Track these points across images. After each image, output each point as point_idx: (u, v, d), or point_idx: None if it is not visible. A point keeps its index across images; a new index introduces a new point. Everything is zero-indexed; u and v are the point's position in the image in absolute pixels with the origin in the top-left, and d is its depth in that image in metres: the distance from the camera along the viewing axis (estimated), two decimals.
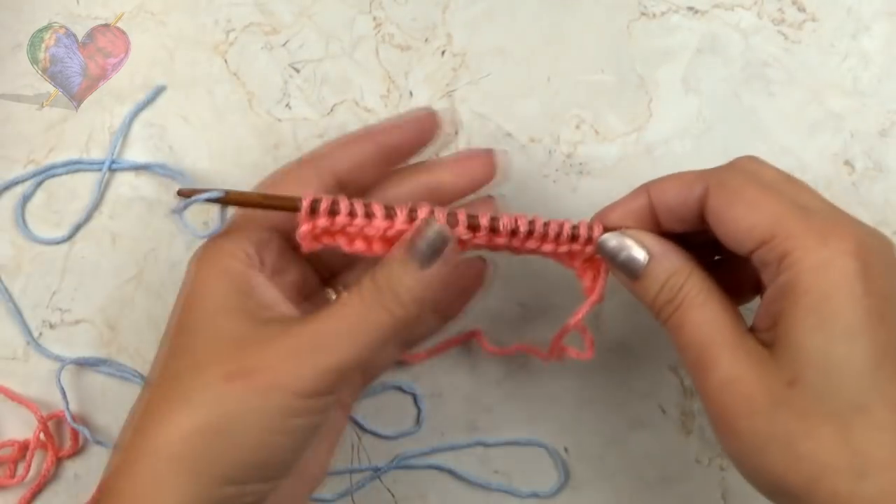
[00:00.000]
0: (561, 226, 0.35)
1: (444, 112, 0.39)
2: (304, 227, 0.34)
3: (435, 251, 0.34)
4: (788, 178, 0.34)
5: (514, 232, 0.35)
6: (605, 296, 0.37)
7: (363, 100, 0.46)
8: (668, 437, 0.45)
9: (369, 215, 0.34)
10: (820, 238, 0.31)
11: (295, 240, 0.35)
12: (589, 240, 0.35)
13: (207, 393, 0.32)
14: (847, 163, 0.45)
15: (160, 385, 0.34)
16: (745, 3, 0.46)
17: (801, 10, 0.46)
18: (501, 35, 0.46)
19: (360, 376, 0.40)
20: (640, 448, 0.44)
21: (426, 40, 0.47)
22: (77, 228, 0.46)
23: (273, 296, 0.35)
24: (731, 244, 0.33)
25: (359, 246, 0.35)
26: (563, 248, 0.36)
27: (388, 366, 0.42)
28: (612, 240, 0.35)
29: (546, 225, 0.35)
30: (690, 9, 0.46)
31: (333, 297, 0.39)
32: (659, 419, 0.44)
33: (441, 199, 0.37)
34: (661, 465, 0.44)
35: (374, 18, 0.47)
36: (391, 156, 0.38)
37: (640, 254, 0.34)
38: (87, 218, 0.46)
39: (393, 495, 0.45)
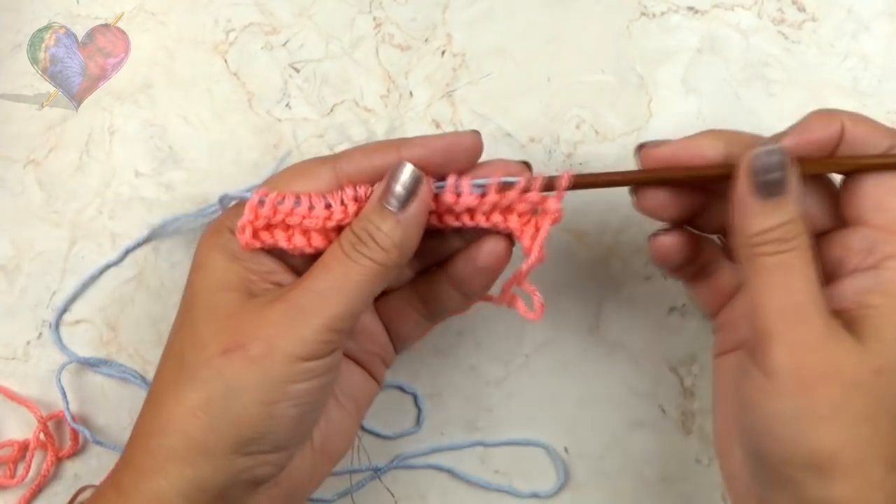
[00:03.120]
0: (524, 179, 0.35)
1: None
2: (245, 219, 0.34)
3: (410, 191, 0.34)
4: None
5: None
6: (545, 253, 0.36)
7: (363, 100, 0.46)
8: (668, 437, 0.44)
9: (312, 203, 0.35)
10: None
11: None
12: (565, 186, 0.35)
13: (209, 368, 0.33)
14: None
15: (166, 362, 0.35)
16: (745, 3, 0.46)
17: (801, 10, 0.46)
18: (501, 35, 0.46)
19: (380, 342, 0.40)
20: (640, 448, 0.44)
21: (426, 40, 0.47)
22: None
23: (271, 265, 0.36)
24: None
25: (298, 241, 0.35)
26: (521, 204, 0.35)
27: (416, 334, 0.41)
28: (777, 154, 0.33)
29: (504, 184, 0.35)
30: (690, 9, 0.46)
31: None
32: (659, 419, 0.44)
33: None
34: (661, 465, 0.44)
35: (374, 18, 0.47)
36: None
37: (791, 180, 0.33)
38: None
39: (393, 495, 0.45)
